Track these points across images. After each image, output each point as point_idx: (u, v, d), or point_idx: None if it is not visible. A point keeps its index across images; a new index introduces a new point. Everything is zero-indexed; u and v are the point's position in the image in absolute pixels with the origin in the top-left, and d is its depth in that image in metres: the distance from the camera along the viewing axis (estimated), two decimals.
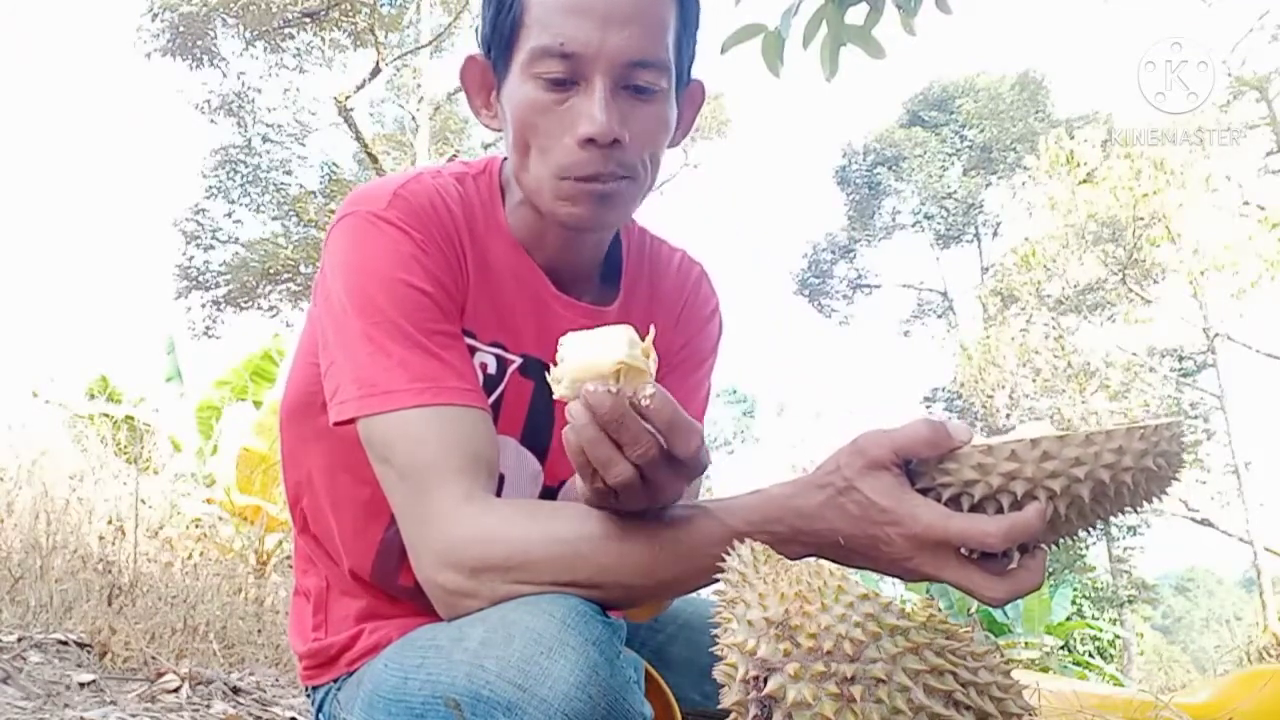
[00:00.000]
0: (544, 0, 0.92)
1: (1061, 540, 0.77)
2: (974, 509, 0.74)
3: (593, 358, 0.72)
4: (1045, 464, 0.71)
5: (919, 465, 0.76)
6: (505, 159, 1.07)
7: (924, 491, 0.76)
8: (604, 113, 0.90)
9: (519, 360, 1.02)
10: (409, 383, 0.88)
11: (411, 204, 0.96)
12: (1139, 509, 0.75)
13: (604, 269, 1.10)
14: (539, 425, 1.04)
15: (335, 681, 1.06)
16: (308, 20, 14.99)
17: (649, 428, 0.72)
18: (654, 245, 1.16)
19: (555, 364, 0.74)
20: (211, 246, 19.11)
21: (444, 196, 0.99)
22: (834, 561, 0.78)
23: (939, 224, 25.22)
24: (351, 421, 0.90)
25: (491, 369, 1.01)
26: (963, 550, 0.75)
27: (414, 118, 16.71)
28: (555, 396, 0.74)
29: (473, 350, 0.98)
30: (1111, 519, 0.76)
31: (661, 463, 0.73)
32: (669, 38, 0.95)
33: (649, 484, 0.75)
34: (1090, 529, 0.76)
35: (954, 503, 0.75)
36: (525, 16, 0.93)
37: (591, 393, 0.70)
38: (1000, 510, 0.73)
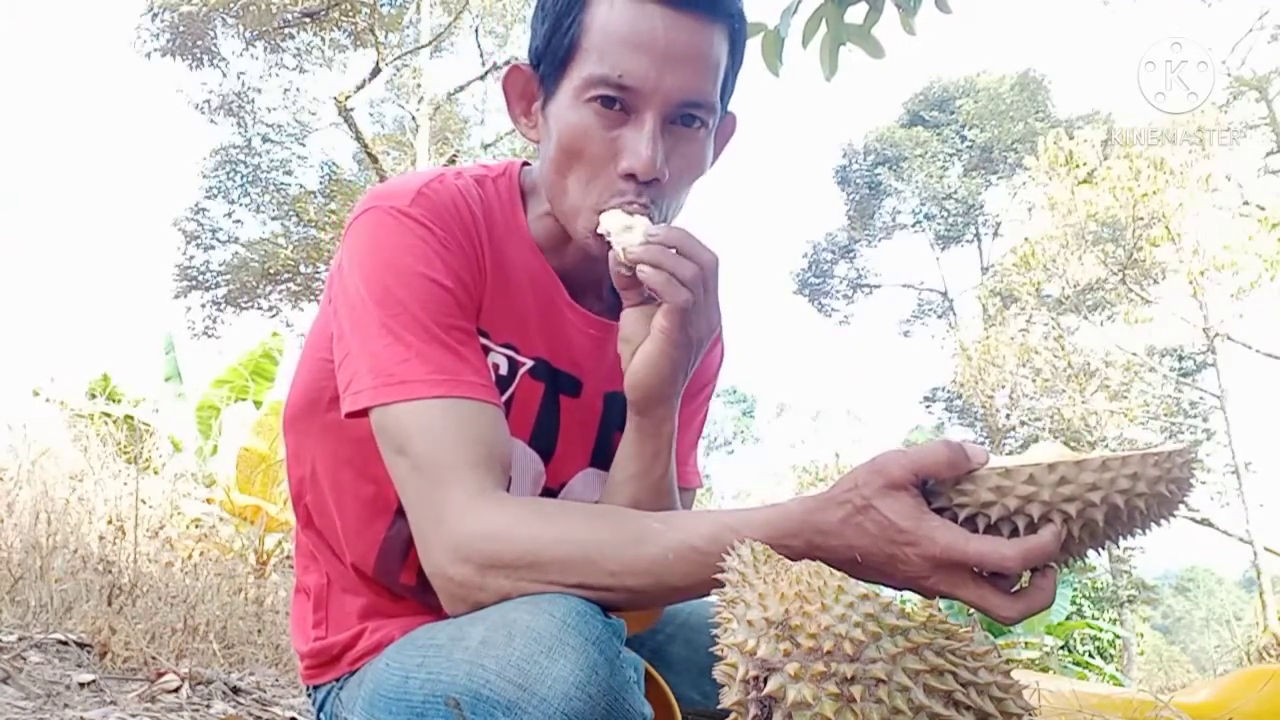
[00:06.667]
0: (605, 28, 0.92)
1: (1070, 559, 0.78)
2: (989, 530, 0.75)
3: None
4: (1062, 488, 0.72)
5: (935, 485, 0.77)
6: (524, 164, 1.07)
7: (940, 511, 0.77)
8: (651, 150, 0.91)
9: (530, 363, 1.02)
10: (426, 374, 0.88)
11: (435, 202, 0.96)
12: (1146, 532, 0.77)
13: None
14: (547, 427, 1.04)
15: (337, 681, 1.06)
16: (308, 20, 14.97)
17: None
18: None
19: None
20: (211, 246, 19.12)
21: (466, 197, 0.99)
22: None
23: (939, 224, 25.18)
24: (365, 412, 0.90)
25: (503, 370, 1.01)
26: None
27: (414, 118, 16.68)
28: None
29: (486, 350, 0.98)
30: (1120, 540, 0.78)
31: (712, 282, 0.92)
32: (719, 78, 0.96)
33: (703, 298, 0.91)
34: (1098, 549, 0.78)
35: (969, 523, 0.76)
36: (584, 40, 0.93)
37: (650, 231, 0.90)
38: (1015, 531, 0.74)
